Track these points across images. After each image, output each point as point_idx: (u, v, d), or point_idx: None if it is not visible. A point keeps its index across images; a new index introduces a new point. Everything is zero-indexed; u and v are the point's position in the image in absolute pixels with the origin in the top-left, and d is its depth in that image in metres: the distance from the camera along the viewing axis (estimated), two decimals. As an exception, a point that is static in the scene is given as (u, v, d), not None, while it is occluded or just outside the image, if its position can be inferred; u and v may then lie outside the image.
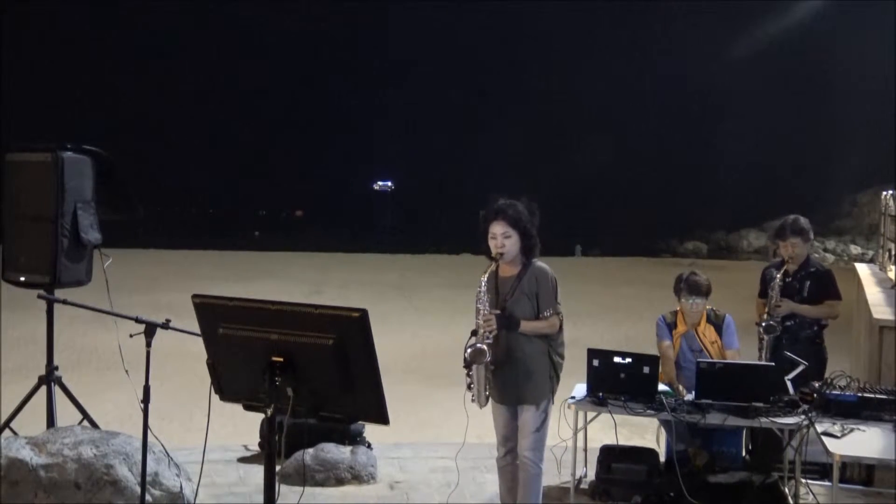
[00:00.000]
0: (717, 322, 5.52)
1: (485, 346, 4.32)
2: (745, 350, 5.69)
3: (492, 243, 4.46)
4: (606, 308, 14.57)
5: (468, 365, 4.37)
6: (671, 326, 5.60)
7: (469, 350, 4.33)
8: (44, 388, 5.17)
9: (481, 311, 4.40)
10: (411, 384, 8.81)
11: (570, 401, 5.09)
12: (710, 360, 5.19)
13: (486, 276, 4.41)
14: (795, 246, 5.66)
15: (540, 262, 4.55)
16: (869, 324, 5.94)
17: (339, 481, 5.47)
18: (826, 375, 5.18)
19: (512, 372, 4.46)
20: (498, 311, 4.41)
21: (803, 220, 5.74)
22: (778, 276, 5.64)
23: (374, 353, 2.56)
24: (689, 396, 5.04)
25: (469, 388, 4.45)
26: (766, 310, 5.64)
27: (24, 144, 5.27)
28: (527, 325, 4.43)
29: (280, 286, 16.52)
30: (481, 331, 4.37)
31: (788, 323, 5.64)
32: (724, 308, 5.66)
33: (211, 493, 5.22)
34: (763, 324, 5.59)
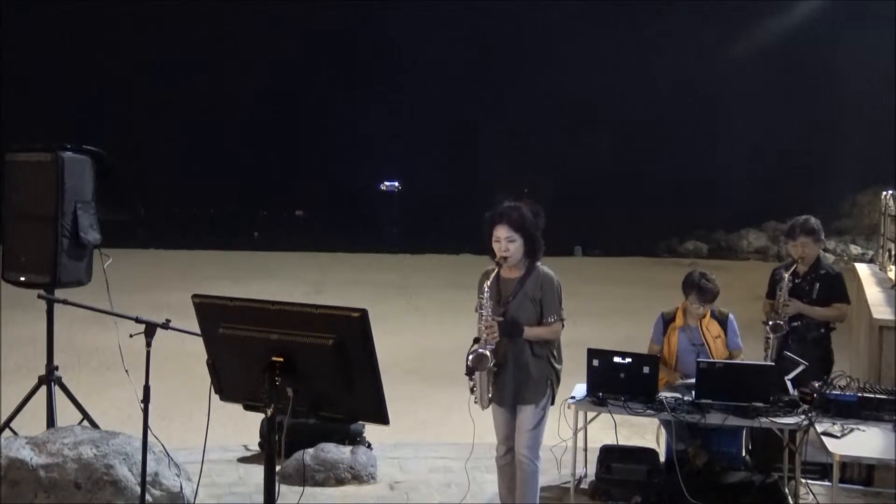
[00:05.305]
0: (720, 318, 5.53)
1: (487, 352, 4.31)
2: (748, 349, 5.70)
3: (496, 246, 4.44)
4: (606, 308, 14.55)
5: (471, 372, 4.36)
6: (668, 322, 5.60)
7: (471, 356, 4.32)
8: (44, 388, 5.17)
9: (484, 317, 4.38)
10: (411, 384, 8.80)
11: (570, 401, 5.10)
12: (710, 360, 5.19)
13: (489, 281, 4.39)
14: (805, 246, 5.65)
15: (545, 268, 4.53)
16: (869, 324, 5.94)
17: (339, 481, 5.47)
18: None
19: (512, 376, 4.46)
20: (500, 318, 4.40)
21: (814, 221, 5.72)
22: (787, 275, 5.63)
23: (374, 353, 2.55)
24: (688, 397, 5.04)
25: (472, 391, 4.45)
26: (774, 309, 5.63)
27: (24, 144, 5.27)
28: (530, 332, 4.42)
29: (280, 286, 16.51)
30: (484, 337, 4.36)
31: (796, 324, 5.64)
32: (724, 308, 5.66)
33: (211, 493, 5.22)
34: (770, 322, 5.58)
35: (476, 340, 4.40)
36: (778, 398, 4.86)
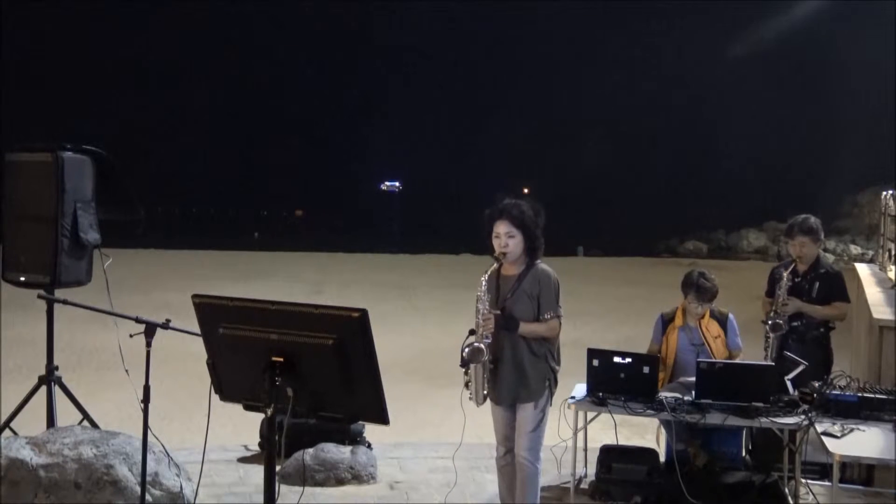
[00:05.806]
0: (720, 318, 5.53)
1: (483, 346, 4.31)
2: (748, 349, 5.70)
3: (495, 242, 4.44)
4: (606, 308, 14.56)
5: (465, 364, 4.35)
6: (668, 323, 5.61)
7: (467, 349, 4.31)
8: (44, 388, 5.17)
9: (481, 311, 4.38)
10: (411, 384, 8.80)
11: (570, 401, 5.09)
12: (710, 360, 5.18)
13: (487, 275, 4.39)
14: (804, 245, 5.66)
15: (543, 265, 4.53)
16: (869, 324, 5.94)
17: (339, 481, 5.47)
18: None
19: (509, 373, 4.45)
20: (498, 311, 4.40)
21: (813, 220, 5.72)
22: (786, 274, 5.63)
23: (374, 353, 2.55)
24: (688, 397, 5.04)
25: (466, 386, 4.45)
26: (774, 308, 5.63)
27: (24, 144, 5.27)
28: (526, 328, 4.41)
29: (280, 286, 16.51)
30: (480, 330, 4.36)
31: (796, 323, 5.63)
32: (724, 308, 5.67)
33: (211, 493, 5.22)
34: (770, 322, 5.58)
35: (472, 332, 4.40)
36: (778, 398, 4.86)
